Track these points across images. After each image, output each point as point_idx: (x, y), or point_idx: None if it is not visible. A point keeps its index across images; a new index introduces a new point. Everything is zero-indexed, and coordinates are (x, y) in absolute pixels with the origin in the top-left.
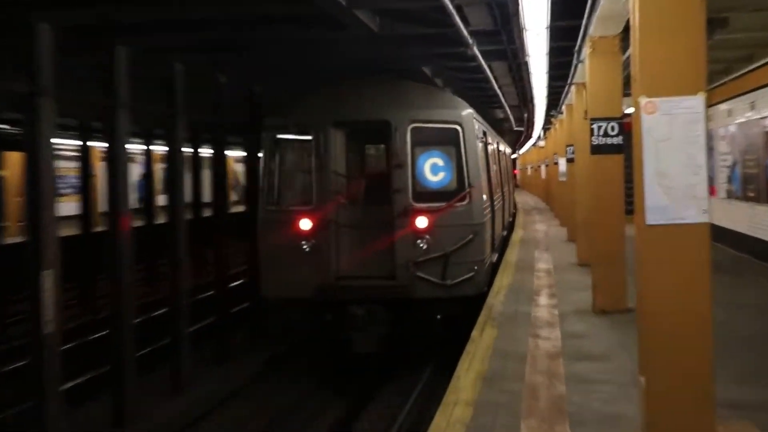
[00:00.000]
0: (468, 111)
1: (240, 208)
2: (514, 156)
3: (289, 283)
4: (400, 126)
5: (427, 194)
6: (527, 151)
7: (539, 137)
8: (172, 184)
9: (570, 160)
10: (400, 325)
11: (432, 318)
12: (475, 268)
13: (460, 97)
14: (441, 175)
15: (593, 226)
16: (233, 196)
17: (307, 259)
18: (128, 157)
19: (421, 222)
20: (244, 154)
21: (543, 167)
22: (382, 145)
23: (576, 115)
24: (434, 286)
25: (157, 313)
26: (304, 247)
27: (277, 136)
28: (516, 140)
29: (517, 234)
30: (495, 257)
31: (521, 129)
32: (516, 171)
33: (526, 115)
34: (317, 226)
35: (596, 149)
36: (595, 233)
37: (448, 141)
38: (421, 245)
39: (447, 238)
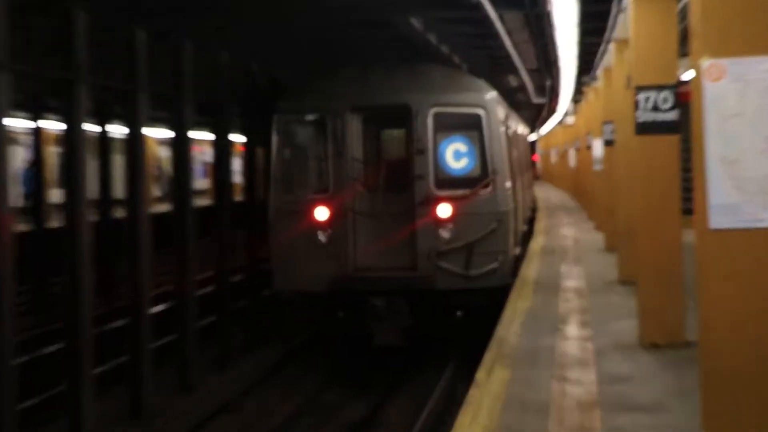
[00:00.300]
0: (492, 94)
1: (165, 207)
2: (532, 138)
3: (305, 275)
4: (421, 110)
5: (449, 181)
6: (551, 131)
7: (566, 112)
8: (70, 174)
9: (608, 143)
10: (421, 318)
11: (452, 313)
12: (500, 258)
13: (477, 77)
14: (464, 162)
15: (640, 231)
16: (156, 191)
17: (324, 249)
18: (8, 137)
19: (444, 210)
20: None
21: (572, 152)
22: (402, 131)
23: (616, 83)
24: (457, 277)
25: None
26: (321, 237)
27: (291, 120)
28: (535, 117)
29: (537, 242)
30: (518, 250)
31: (542, 101)
32: (535, 157)
33: (548, 82)
34: (334, 215)
35: (643, 128)
36: (643, 241)
37: (471, 126)
38: (444, 234)
39: (470, 227)
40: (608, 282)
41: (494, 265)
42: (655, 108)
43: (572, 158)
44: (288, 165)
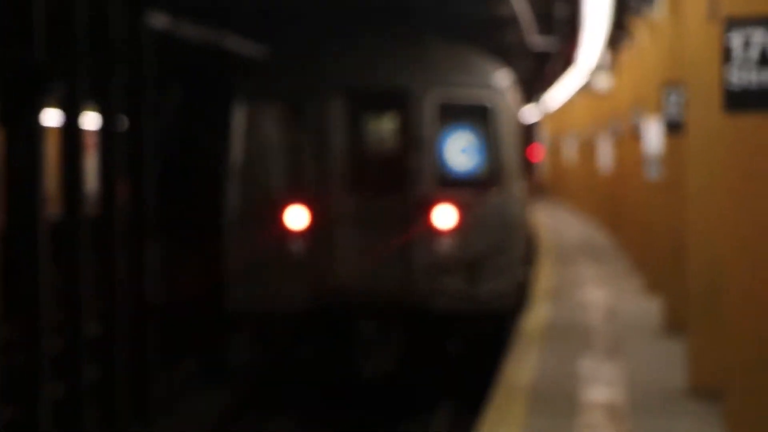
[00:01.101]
0: (505, 76)
1: None
2: (529, 116)
3: (274, 292)
4: (421, 95)
5: (451, 182)
6: (565, 103)
7: (595, 69)
8: None
9: (673, 126)
10: (416, 346)
11: (446, 344)
12: (511, 276)
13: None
14: (470, 158)
15: (733, 290)
16: None
17: (298, 261)
18: None
19: (445, 216)
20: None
21: (604, 143)
22: (396, 119)
23: (691, 15)
24: (460, 298)
25: None
26: (294, 246)
27: (258, 103)
28: (534, 76)
29: (538, 314)
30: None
31: (548, 47)
32: (534, 152)
33: (561, 9)
34: (312, 219)
35: (740, 99)
36: (742, 310)
37: (481, 114)
38: (444, 246)
39: (476, 238)
40: (671, 393)
41: (504, 284)
42: (765, 60)
43: (605, 154)
44: (252, 158)
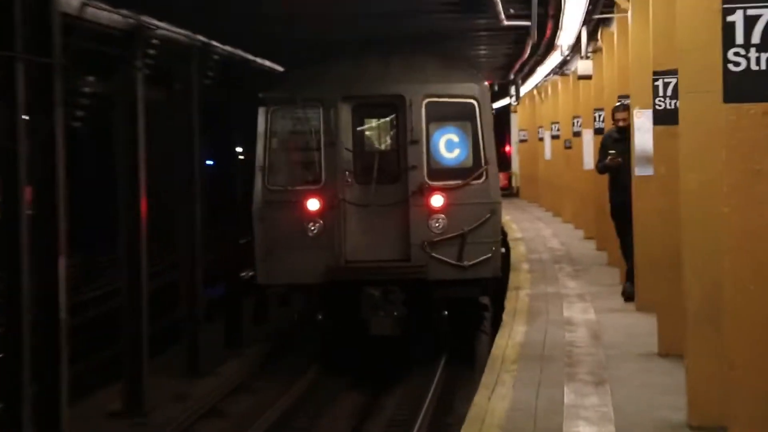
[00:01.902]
0: (485, 84)
1: None
2: (498, 103)
3: (296, 267)
4: (415, 100)
5: (442, 172)
6: (540, 88)
7: (578, 49)
8: None
9: (663, 116)
10: (415, 308)
11: (444, 304)
12: (493, 248)
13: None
14: (456, 152)
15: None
16: None
17: (316, 240)
18: None
19: (437, 200)
20: None
21: (588, 136)
22: (395, 121)
23: None
24: (450, 268)
25: None
26: (312, 228)
27: (280, 109)
28: (509, 58)
29: (511, 334)
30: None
31: (522, 23)
32: (507, 148)
33: None
34: (326, 205)
35: (741, 88)
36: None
37: (464, 116)
38: (437, 225)
39: (463, 218)
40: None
41: (487, 255)
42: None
43: (589, 149)
44: (276, 155)
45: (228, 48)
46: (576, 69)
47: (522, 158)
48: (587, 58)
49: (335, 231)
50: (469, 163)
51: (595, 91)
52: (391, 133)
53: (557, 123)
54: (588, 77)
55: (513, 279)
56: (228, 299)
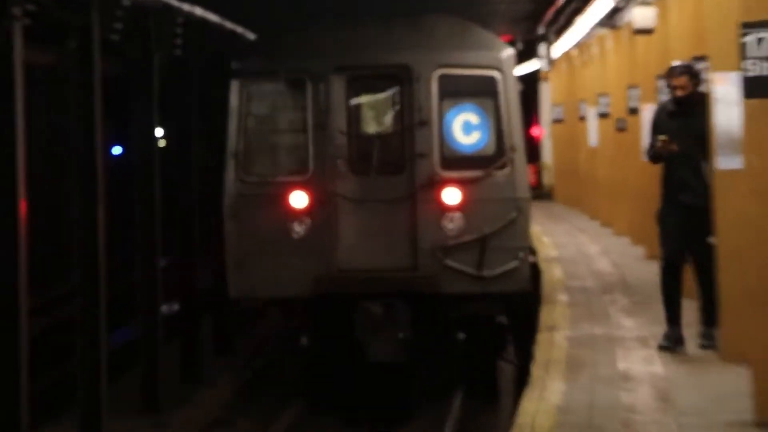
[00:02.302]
0: (509, 52)
1: None
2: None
3: (277, 277)
4: (424, 72)
5: (458, 160)
6: (580, 46)
7: None
8: None
9: (760, 86)
10: (423, 328)
11: (460, 323)
12: (520, 255)
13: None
14: (475, 136)
15: None
16: None
17: (302, 244)
18: None
19: (451, 195)
20: None
21: (648, 114)
22: (398, 97)
23: None
24: (468, 279)
25: None
26: (297, 228)
27: (257, 85)
28: (534, 6)
29: (545, 395)
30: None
31: None
32: (535, 131)
33: None
34: (315, 201)
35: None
36: None
37: (485, 92)
38: (451, 226)
39: (484, 217)
40: None
41: (513, 264)
42: None
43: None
44: (252, 139)
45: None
46: (632, 19)
47: (556, 145)
48: (647, 4)
49: (326, 232)
50: (491, 149)
51: (659, 50)
52: (395, 112)
53: (606, 95)
54: (649, 31)
55: (546, 315)
56: (184, 319)
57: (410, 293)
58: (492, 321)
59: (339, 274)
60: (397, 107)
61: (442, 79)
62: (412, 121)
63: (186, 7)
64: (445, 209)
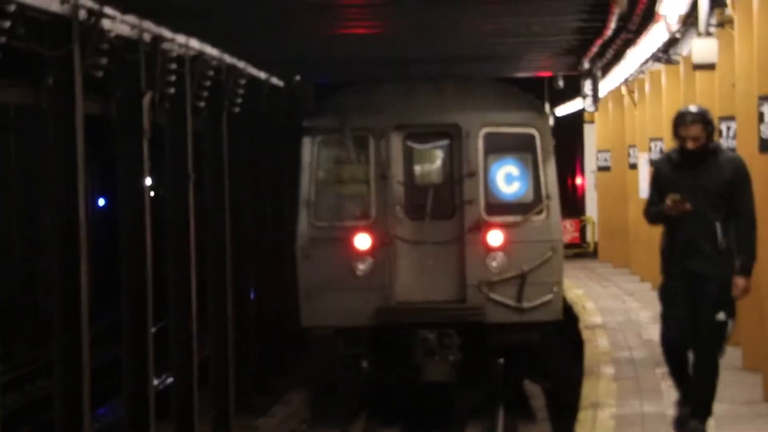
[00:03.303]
0: (545, 112)
1: None
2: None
3: (342, 309)
4: (472, 130)
5: (500, 206)
6: (629, 83)
7: (689, 18)
8: None
9: None
10: (470, 353)
11: (502, 349)
12: (555, 289)
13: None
14: (516, 186)
15: None
16: None
17: (365, 280)
18: None
19: (495, 237)
20: None
21: None
22: (449, 151)
23: None
24: (509, 310)
25: None
26: (361, 267)
27: (326, 140)
28: (578, 38)
29: None
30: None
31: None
32: (577, 180)
33: None
34: (376, 243)
35: None
36: None
37: (524, 147)
38: (495, 264)
39: (523, 256)
40: None
41: (548, 296)
42: None
43: None
44: (322, 189)
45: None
46: (690, 52)
47: (602, 196)
48: (709, 35)
49: (386, 270)
50: (530, 197)
51: (721, 87)
52: (446, 165)
53: (659, 140)
54: (710, 66)
55: (589, 390)
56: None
57: (459, 322)
58: (529, 347)
59: (398, 306)
60: (448, 160)
61: (487, 136)
62: (461, 172)
63: (182, 39)
64: (489, 249)
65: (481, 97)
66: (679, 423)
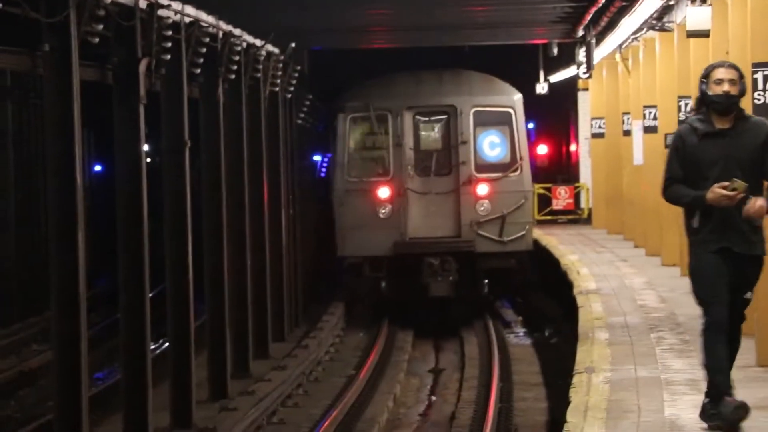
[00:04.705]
0: (519, 96)
1: None
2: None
3: (368, 243)
4: (464, 109)
5: (486, 166)
6: (624, 50)
7: None
8: None
9: None
10: (464, 274)
11: (488, 272)
12: (527, 227)
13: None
14: (497, 150)
15: None
16: None
17: (385, 221)
18: None
19: (482, 189)
20: None
21: None
22: (447, 125)
23: None
24: (493, 242)
25: None
26: (382, 211)
27: (356, 117)
28: (572, 7)
29: None
30: None
31: None
32: (571, 147)
33: None
34: (394, 193)
35: None
36: None
37: (503, 122)
38: (482, 208)
39: (503, 203)
40: None
41: (522, 232)
42: None
43: None
44: (353, 153)
45: None
46: (684, 19)
47: (596, 163)
48: (703, 2)
49: (401, 213)
50: (507, 159)
51: (715, 54)
52: (445, 135)
53: (653, 107)
54: (704, 33)
55: (583, 355)
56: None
57: (456, 252)
58: (507, 270)
59: (410, 240)
60: (446, 132)
61: (476, 113)
62: (456, 141)
63: (176, 6)
64: (477, 198)
65: (471, 84)
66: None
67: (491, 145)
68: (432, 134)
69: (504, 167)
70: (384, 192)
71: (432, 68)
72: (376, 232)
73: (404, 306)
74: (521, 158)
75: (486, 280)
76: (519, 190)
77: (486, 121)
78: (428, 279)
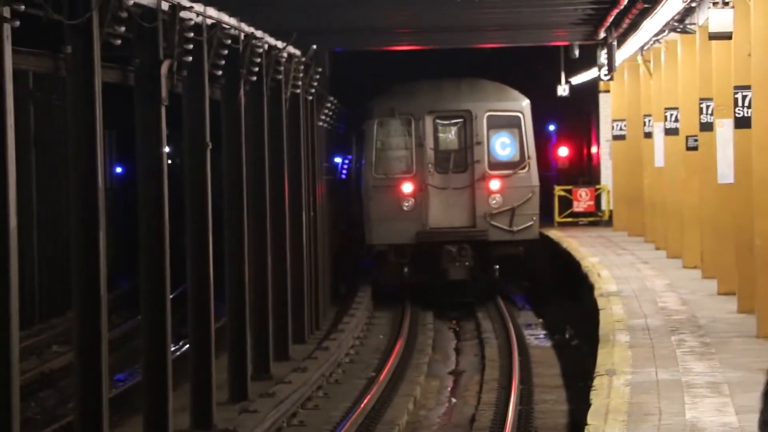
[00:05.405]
0: (527, 102)
1: None
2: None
3: (394, 232)
4: (479, 113)
5: (497, 164)
6: (645, 53)
7: None
8: None
9: None
10: (479, 261)
11: (499, 258)
12: (534, 218)
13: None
14: (508, 150)
15: None
16: None
17: (408, 213)
18: None
19: (495, 185)
20: None
21: (723, 132)
22: (464, 128)
23: None
24: (504, 232)
25: None
26: (406, 204)
27: (383, 120)
28: (594, 9)
29: None
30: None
31: None
32: (592, 149)
33: None
34: (416, 188)
35: None
36: None
37: (513, 125)
38: (494, 202)
39: (513, 197)
40: None
41: (530, 223)
42: None
43: (727, 150)
44: (380, 152)
45: None
46: (706, 21)
47: (617, 165)
48: (725, 4)
49: (422, 206)
50: (517, 158)
51: (737, 56)
52: (461, 136)
53: (675, 109)
54: (726, 36)
55: (604, 358)
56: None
57: (471, 240)
58: (516, 257)
59: (430, 230)
60: (463, 134)
61: (489, 117)
62: (471, 141)
63: (198, 7)
64: (490, 192)
65: (485, 91)
66: None
67: (502, 146)
68: (450, 136)
69: (514, 165)
70: (407, 187)
71: (450, 77)
72: (400, 223)
73: (424, 294)
74: (529, 157)
75: (497, 266)
76: (527, 185)
77: (498, 124)
78: (447, 264)
